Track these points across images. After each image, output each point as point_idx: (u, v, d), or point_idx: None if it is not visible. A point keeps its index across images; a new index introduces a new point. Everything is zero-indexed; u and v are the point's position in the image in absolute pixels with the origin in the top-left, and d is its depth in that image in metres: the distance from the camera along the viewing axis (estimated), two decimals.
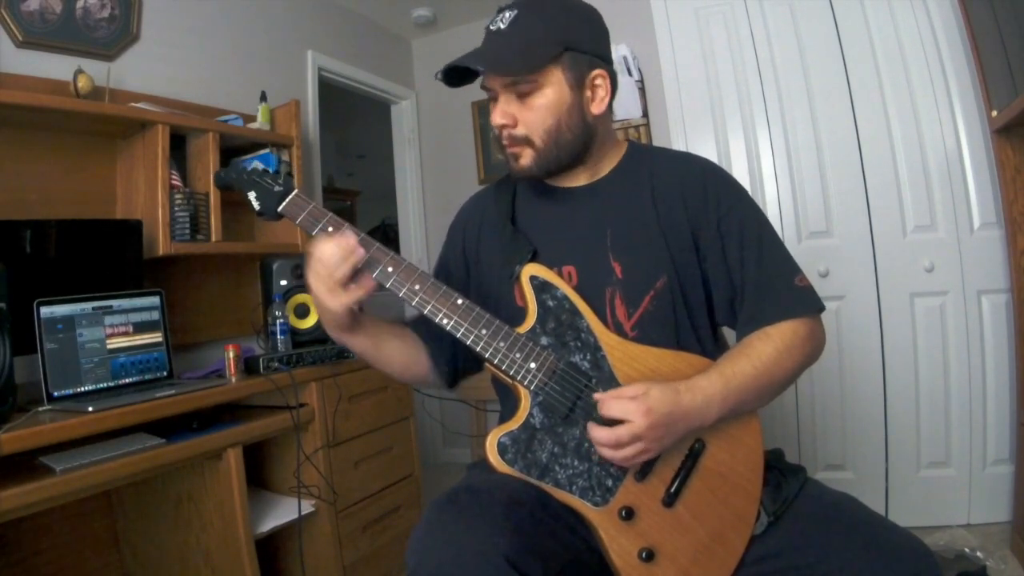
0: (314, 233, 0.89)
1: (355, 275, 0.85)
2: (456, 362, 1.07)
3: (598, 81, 0.94)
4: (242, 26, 2.49)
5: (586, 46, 0.92)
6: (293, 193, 0.92)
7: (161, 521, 1.74)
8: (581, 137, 0.94)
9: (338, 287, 0.85)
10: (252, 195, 0.93)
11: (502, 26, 0.91)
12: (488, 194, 1.10)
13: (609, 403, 0.82)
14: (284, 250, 2.23)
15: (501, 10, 0.92)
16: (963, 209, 2.02)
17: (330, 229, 0.89)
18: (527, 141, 0.93)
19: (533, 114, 0.91)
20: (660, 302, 0.93)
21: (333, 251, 0.84)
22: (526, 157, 0.94)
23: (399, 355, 1.03)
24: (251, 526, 1.62)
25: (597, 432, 0.82)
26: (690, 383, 0.85)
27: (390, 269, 0.89)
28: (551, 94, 0.91)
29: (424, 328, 1.05)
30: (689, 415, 0.83)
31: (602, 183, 1.00)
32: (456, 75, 0.93)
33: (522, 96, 0.91)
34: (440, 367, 1.05)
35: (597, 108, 0.94)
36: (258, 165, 0.98)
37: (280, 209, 0.92)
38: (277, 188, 0.92)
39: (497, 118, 0.93)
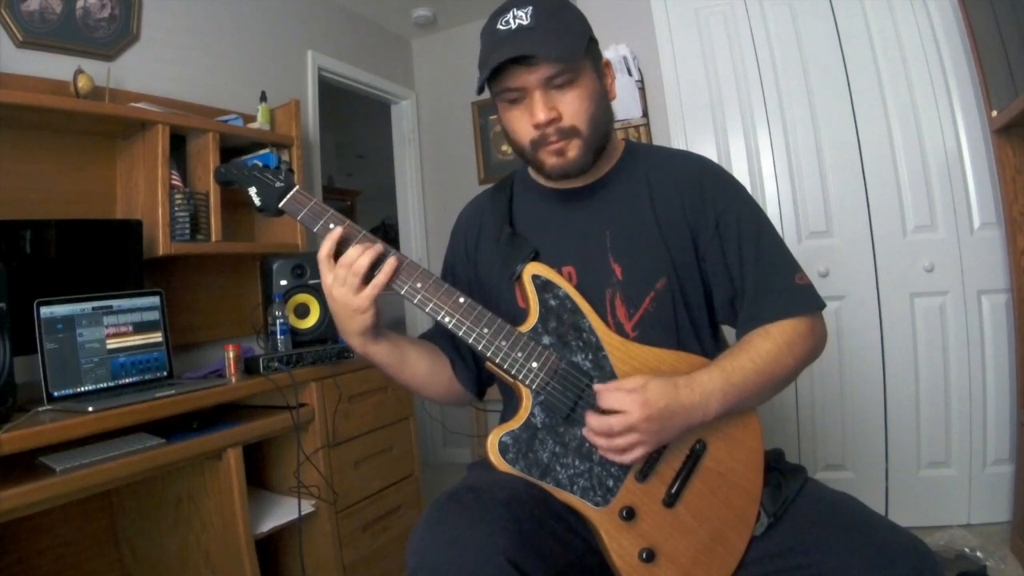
0: (316, 229, 0.89)
1: (373, 269, 0.87)
2: (479, 370, 1.06)
3: (608, 68, 0.97)
4: (242, 26, 2.49)
5: (593, 35, 0.95)
6: (294, 189, 0.91)
7: (161, 521, 1.74)
8: (611, 123, 0.97)
9: (360, 282, 0.86)
10: (252, 191, 0.93)
11: (524, 22, 0.87)
12: (485, 198, 1.10)
13: (607, 394, 0.83)
14: (284, 250, 2.23)
15: (506, 9, 0.89)
16: (963, 209, 2.02)
17: (331, 226, 0.88)
18: (574, 132, 0.90)
19: (577, 104, 0.90)
20: (660, 303, 0.93)
21: (352, 251, 0.86)
22: (574, 148, 0.91)
23: (424, 365, 1.02)
24: (251, 526, 1.62)
25: (589, 418, 0.83)
26: (690, 378, 0.85)
27: None
28: (588, 82, 0.91)
29: (443, 340, 1.06)
30: (688, 410, 0.83)
31: (600, 184, 1.00)
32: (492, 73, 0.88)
33: (561, 88, 0.89)
34: (462, 375, 1.05)
35: (612, 94, 0.97)
36: (258, 164, 0.98)
37: (281, 205, 0.91)
38: (278, 184, 0.92)
39: (541, 114, 0.88)
